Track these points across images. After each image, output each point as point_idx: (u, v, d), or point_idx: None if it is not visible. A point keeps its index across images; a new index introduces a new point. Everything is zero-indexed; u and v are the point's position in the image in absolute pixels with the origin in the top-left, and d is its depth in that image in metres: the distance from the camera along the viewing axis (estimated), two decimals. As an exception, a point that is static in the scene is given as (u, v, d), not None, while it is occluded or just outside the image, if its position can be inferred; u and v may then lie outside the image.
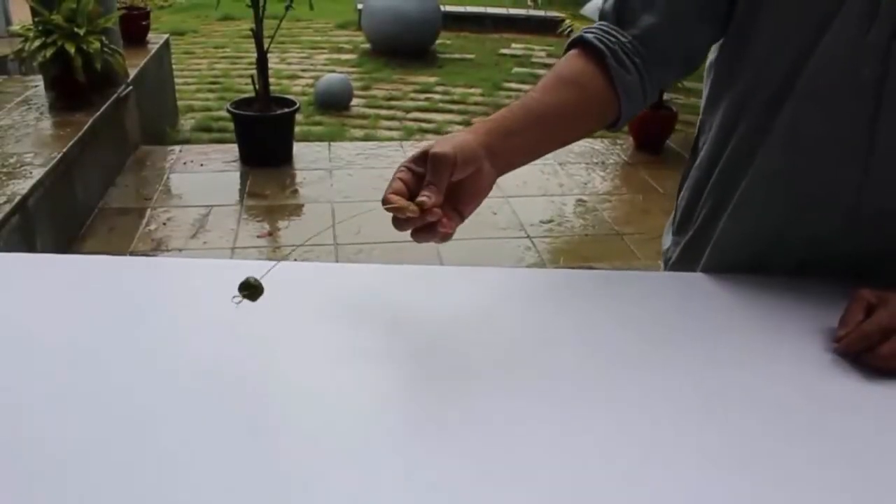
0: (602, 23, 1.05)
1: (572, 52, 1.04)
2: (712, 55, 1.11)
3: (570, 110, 1.00)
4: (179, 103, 6.53)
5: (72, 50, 4.07)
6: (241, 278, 0.86)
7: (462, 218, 0.90)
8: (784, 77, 0.97)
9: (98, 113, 4.23)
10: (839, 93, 0.94)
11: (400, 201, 0.84)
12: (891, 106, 0.92)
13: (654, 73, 1.03)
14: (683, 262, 1.18)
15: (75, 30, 4.13)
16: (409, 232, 0.87)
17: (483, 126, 0.94)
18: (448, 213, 0.87)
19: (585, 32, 1.04)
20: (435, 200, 0.84)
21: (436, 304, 1.00)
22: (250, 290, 0.86)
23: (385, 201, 0.85)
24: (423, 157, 0.87)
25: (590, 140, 5.57)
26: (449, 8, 9.99)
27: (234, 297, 0.85)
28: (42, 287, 1.02)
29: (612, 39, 1.01)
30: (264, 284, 0.86)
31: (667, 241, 1.25)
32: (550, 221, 4.19)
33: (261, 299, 0.86)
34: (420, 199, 0.84)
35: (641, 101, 1.04)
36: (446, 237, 0.87)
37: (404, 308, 0.99)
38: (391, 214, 0.86)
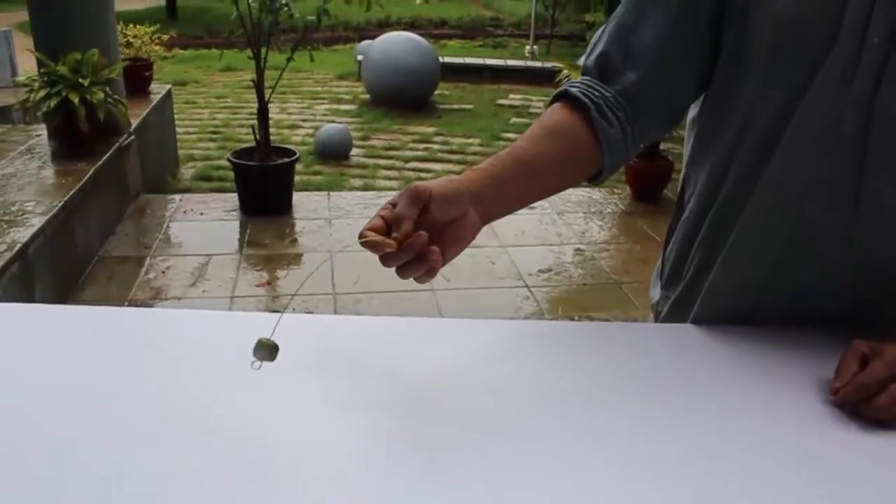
0: (586, 77, 1.08)
1: (557, 104, 1.06)
2: (694, 110, 1.12)
3: (555, 160, 1.02)
4: (180, 152, 6.59)
5: (76, 100, 4.13)
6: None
7: (444, 261, 0.88)
8: (770, 129, 0.99)
9: (100, 162, 4.27)
10: (824, 144, 0.95)
11: (374, 237, 0.84)
12: (876, 156, 0.94)
13: (637, 127, 1.06)
14: (674, 315, 1.18)
15: (80, 80, 4.19)
16: (396, 269, 0.87)
17: (471, 173, 0.96)
18: (430, 249, 0.86)
19: (570, 86, 1.06)
20: (401, 236, 0.84)
21: (434, 357, 1.00)
22: (266, 350, 0.86)
23: (360, 236, 0.85)
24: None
25: (587, 189, 5.62)
26: (448, 59, 10.14)
27: (252, 361, 0.86)
28: (40, 339, 1.02)
29: (596, 93, 1.04)
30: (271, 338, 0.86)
31: (655, 294, 1.25)
32: (549, 271, 4.20)
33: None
34: (393, 234, 0.84)
35: (623, 154, 1.06)
36: (432, 272, 0.86)
37: (402, 360, 0.99)
38: (393, 265, 0.86)
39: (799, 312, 1.05)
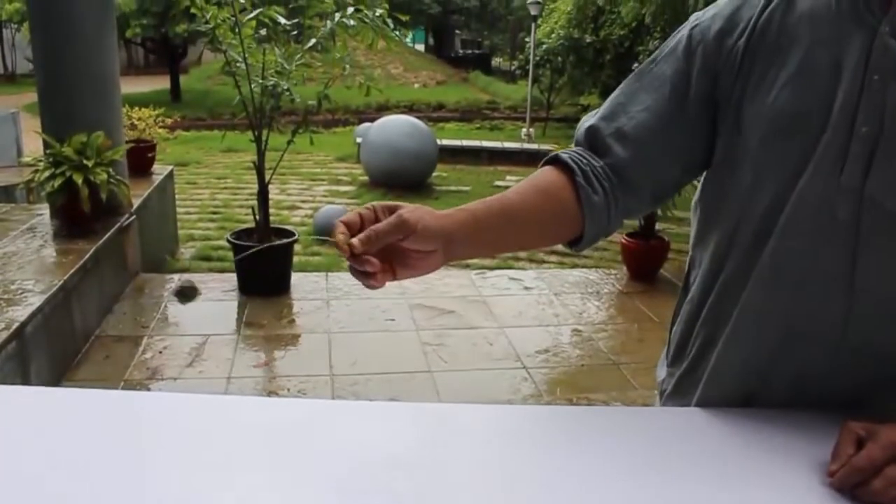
0: (577, 147, 1.12)
1: (546, 166, 1.10)
2: (698, 193, 1.16)
3: (536, 216, 1.06)
4: (180, 232, 6.64)
5: (79, 181, 4.19)
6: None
7: (394, 278, 0.95)
8: (765, 217, 1.02)
9: (100, 241, 4.30)
10: (818, 231, 0.98)
11: (340, 237, 0.90)
12: (868, 244, 0.97)
13: (622, 201, 1.09)
14: (678, 394, 1.19)
15: (84, 161, 4.26)
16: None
17: (456, 213, 1.00)
18: (384, 266, 0.93)
19: (561, 153, 1.10)
20: (362, 250, 0.90)
21: (431, 443, 1.00)
22: (185, 295, 0.89)
23: (335, 226, 0.91)
24: (393, 210, 0.94)
25: (584, 270, 5.65)
26: (445, 142, 10.33)
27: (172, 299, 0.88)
28: (30, 422, 1.01)
29: (584, 161, 1.08)
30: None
31: (661, 372, 1.26)
32: (546, 351, 4.19)
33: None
34: (353, 240, 0.90)
35: (605, 223, 1.09)
36: (373, 287, 0.94)
37: (400, 448, 0.99)
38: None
39: (801, 393, 1.06)
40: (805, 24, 1.00)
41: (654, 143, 1.07)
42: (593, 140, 1.10)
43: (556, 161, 1.09)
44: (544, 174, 1.09)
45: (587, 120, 1.14)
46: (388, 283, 0.95)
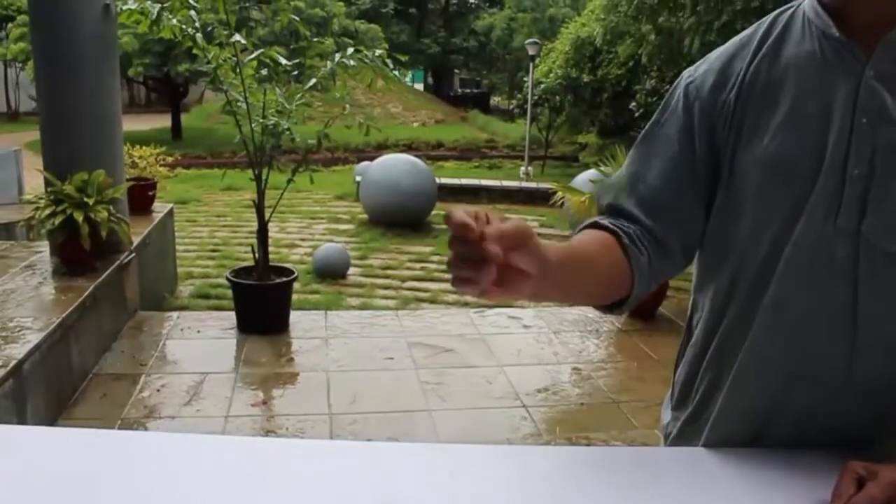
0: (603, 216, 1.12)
1: (588, 230, 1.09)
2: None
3: (601, 266, 1.04)
4: (179, 270, 6.64)
5: (80, 218, 4.20)
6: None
7: (483, 293, 0.83)
8: (765, 260, 1.03)
9: (100, 279, 4.30)
10: (817, 274, 1.00)
11: (464, 216, 0.79)
12: (867, 285, 0.98)
13: (657, 265, 1.09)
14: (683, 437, 1.19)
15: (85, 199, 4.27)
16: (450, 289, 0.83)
17: (555, 247, 0.93)
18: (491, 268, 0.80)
19: (599, 219, 1.10)
20: (493, 233, 0.79)
21: (430, 484, 0.99)
22: None
23: (450, 215, 0.79)
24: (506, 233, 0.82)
25: (583, 308, 5.64)
26: (444, 180, 10.38)
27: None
28: (28, 462, 1.01)
29: (624, 224, 1.08)
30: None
31: (666, 415, 1.26)
32: (546, 390, 4.17)
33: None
34: (487, 228, 0.79)
35: (647, 285, 1.08)
36: (466, 291, 0.81)
37: (399, 488, 0.98)
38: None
39: (807, 433, 1.06)
40: (791, 73, 1.03)
41: (675, 206, 1.09)
42: (619, 213, 1.11)
43: (595, 226, 1.09)
44: (591, 233, 1.08)
45: (604, 195, 1.15)
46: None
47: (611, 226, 1.07)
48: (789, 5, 1.09)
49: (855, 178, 0.97)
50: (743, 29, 1.13)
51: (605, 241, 1.06)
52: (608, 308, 1.11)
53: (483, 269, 0.78)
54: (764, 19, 1.10)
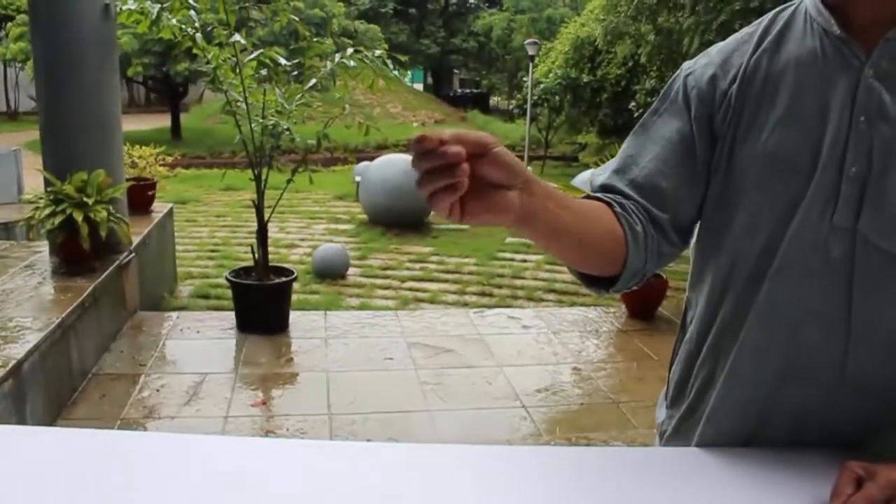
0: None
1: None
2: (696, 234, 1.17)
3: (598, 226, 1.02)
4: (179, 270, 6.64)
5: (79, 218, 4.20)
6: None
7: (465, 217, 0.84)
8: (760, 256, 1.03)
9: (99, 279, 4.30)
10: (813, 271, 1.00)
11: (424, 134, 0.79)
12: (862, 284, 0.98)
13: (656, 241, 1.07)
14: (678, 435, 1.19)
15: (84, 199, 4.28)
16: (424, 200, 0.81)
17: (545, 185, 0.93)
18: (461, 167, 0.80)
19: (592, 193, 1.09)
20: (452, 141, 0.78)
21: (430, 485, 0.99)
22: None
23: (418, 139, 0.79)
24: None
25: (583, 308, 5.65)
26: (444, 181, 10.38)
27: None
28: (27, 463, 1.00)
29: (618, 198, 1.07)
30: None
31: (661, 414, 1.26)
32: (546, 390, 4.17)
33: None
34: (443, 132, 0.79)
35: (644, 259, 1.05)
36: (440, 211, 0.81)
37: (399, 489, 0.98)
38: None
39: (801, 432, 1.06)
40: (791, 69, 1.03)
41: (669, 187, 1.08)
42: (612, 191, 1.10)
43: (589, 198, 1.09)
44: (588, 201, 1.07)
45: (599, 176, 1.14)
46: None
47: (604, 198, 1.07)
48: (791, 3, 1.10)
49: (852, 176, 0.97)
50: (741, 28, 1.14)
51: (600, 207, 1.05)
52: (601, 284, 1.08)
53: (453, 174, 0.78)
54: (765, 16, 1.11)
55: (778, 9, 1.10)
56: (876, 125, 0.96)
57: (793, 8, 1.08)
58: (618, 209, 1.05)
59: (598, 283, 1.09)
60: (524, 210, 0.87)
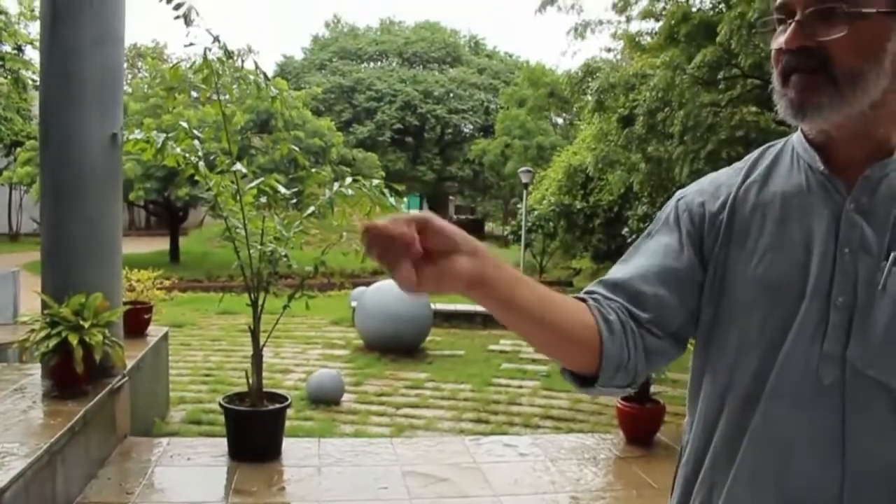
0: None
1: None
2: (692, 358, 1.18)
3: (564, 312, 1.03)
4: (172, 394, 6.56)
5: (74, 341, 4.19)
6: None
7: (419, 285, 0.89)
8: (753, 379, 1.05)
9: (90, 403, 4.24)
10: (805, 397, 1.01)
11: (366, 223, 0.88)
12: (855, 410, 0.99)
13: (638, 335, 1.08)
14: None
15: (80, 322, 4.27)
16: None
17: (505, 264, 0.98)
18: (413, 260, 0.88)
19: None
20: (388, 225, 0.86)
21: None
22: None
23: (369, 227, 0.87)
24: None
25: (580, 435, 5.56)
26: (439, 306, 10.40)
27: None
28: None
29: (594, 295, 1.10)
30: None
31: (664, 536, 1.24)
32: (543, 521, 4.06)
33: None
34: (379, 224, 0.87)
35: (622, 350, 1.06)
36: (398, 279, 0.88)
37: None
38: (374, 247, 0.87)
39: None
40: (779, 200, 1.08)
41: (650, 290, 1.10)
42: (590, 294, 1.12)
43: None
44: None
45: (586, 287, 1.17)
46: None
47: (581, 295, 1.09)
48: (778, 140, 1.16)
49: (840, 306, 1.00)
50: (728, 156, 1.21)
51: (573, 299, 1.09)
52: (589, 382, 1.08)
53: (405, 249, 0.86)
54: (754, 151, 1.18)
55: (767, 144, 1.17)
56: (859, 257, 1.00)
57: (781, 144, 1.15)
58: (591, 302, 1.08)
59: (587, 380, 1.08)
60: (475, 272, 0.93)
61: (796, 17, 1.01)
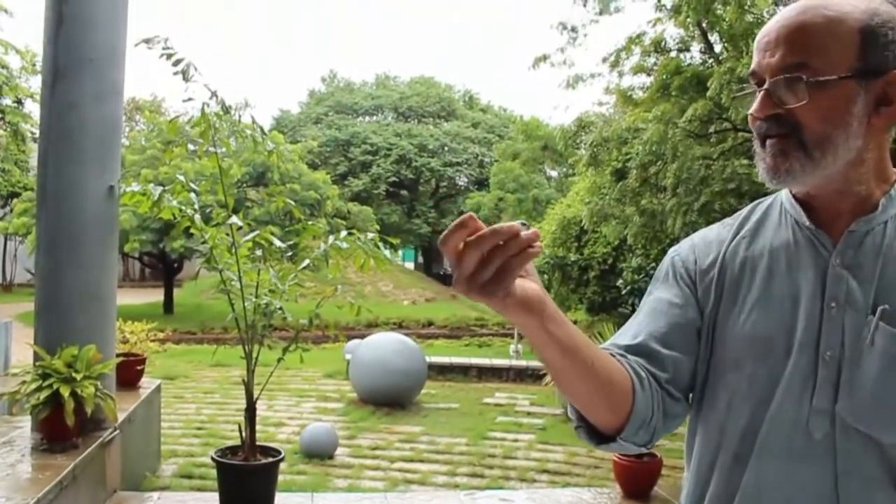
0: None
1: None
2: (690, 414, 1.19)
3: (605, 363, 1.03)
4: (163, 447, 6.48)
5: (66, 393, 4.15)
6: None
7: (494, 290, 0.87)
8: (743, 437, 1.05)
9: (80, 457, 4.19)
10: (796, 453, 1.01)
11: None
12: (846, 467, 0.99)
13: (660, 394, 1.08)
14: None
15: (73, 374, 4.24)
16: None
17: (557, 308, 0.97)
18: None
19: None
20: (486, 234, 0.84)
21: None
22: None
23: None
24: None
25: (577, 489, 5.50)
26: (434, 359, 10.36)
27: None
28: None
29: (615, 352, 1.10)
30: None
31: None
32: (539, 579, 3.99)
33: None
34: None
35: (649, 407, 1.06)
36: (464, 291, 0.86)
37: None
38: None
39: None
40: (767, 255, 1.10)
41: (664, 349, 1.10)
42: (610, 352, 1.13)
43: None
44: None
45: None
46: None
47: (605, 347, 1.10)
48: (767, 197, 1.19)
49: (828, 360, 1.01)
50: (721, 208, 1.24)
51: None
52: (604, 438, 1.07)
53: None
54: (745, 208, 1.20)
55: (757, 201, 1.19)
56: (846, 312, 1.02)
57: (771, 199, 1.17)
58: (619, 357, 1.08)
59: (603, 436, 1.07)
60: (542, 297, 0.92)
61: (765, 86, 1.04)
